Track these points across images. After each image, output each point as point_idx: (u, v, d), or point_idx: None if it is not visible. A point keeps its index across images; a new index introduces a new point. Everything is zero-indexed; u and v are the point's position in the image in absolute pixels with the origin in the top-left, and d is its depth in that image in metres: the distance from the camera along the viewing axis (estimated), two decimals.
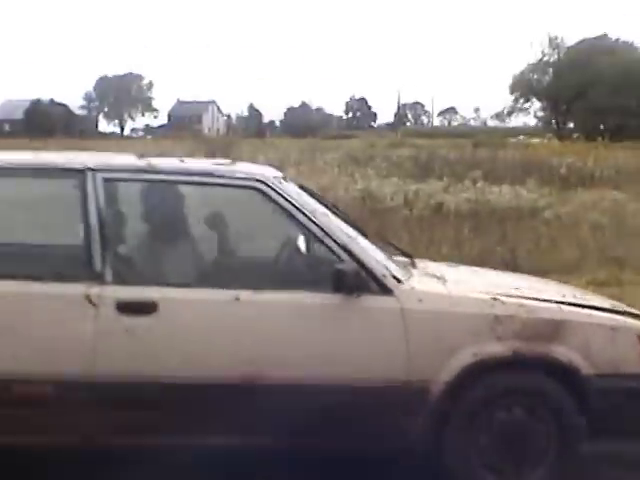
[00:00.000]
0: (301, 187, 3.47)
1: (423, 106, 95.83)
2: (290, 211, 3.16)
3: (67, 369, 2.95)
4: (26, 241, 3.46)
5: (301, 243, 3.27)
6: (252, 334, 3.03)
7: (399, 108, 78.13)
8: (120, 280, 3.04)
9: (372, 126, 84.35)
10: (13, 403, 2.93)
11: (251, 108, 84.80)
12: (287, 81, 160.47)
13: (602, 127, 42.05)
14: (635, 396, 3.17)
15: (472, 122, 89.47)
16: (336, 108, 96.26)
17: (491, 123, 69.07)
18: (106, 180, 3.15)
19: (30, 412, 2.95)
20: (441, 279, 3.45)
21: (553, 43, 53.14)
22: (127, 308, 2.97)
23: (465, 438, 3.09)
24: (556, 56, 53.21)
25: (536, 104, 55.15)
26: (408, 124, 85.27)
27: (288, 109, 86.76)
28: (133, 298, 2.99)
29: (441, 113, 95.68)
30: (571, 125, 51.60)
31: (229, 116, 78.70)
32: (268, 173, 3.38)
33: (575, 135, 39.99)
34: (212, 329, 3.03)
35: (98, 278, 3.01)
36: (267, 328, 3.04)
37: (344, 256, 3.09)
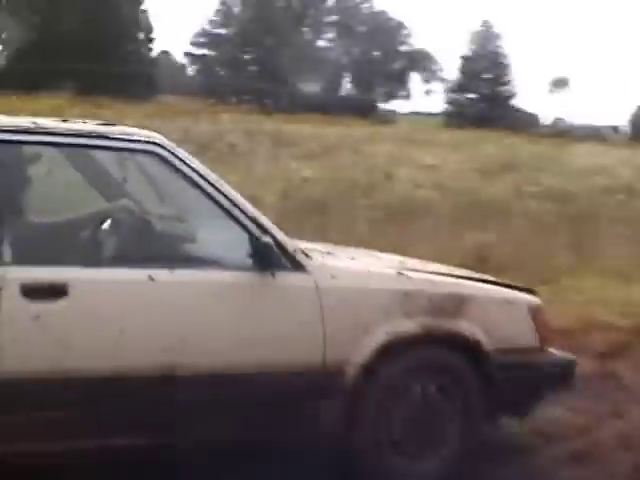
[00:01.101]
0: None
1: None
2: (194, 180, 2.83)
3: None
4: None
5: (208, 216, 2.93)
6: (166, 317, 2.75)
7: None
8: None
9: None
10: None
11: None
12: None
13: None
14: (527, 369, 3.29)
15: None
16: None
17: None
18: None
19: None
20: (345, 257, 3.36)
21: None
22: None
23: (378, 419, 3.02)
24: None
25: None
26: None
27: None
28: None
29: None
30: None
31: None
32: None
33: None
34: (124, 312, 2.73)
35: None
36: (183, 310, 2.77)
37: (255, 230, 2.82)
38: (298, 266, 2.89)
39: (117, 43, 35.75)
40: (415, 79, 50.64)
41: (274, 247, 2.80)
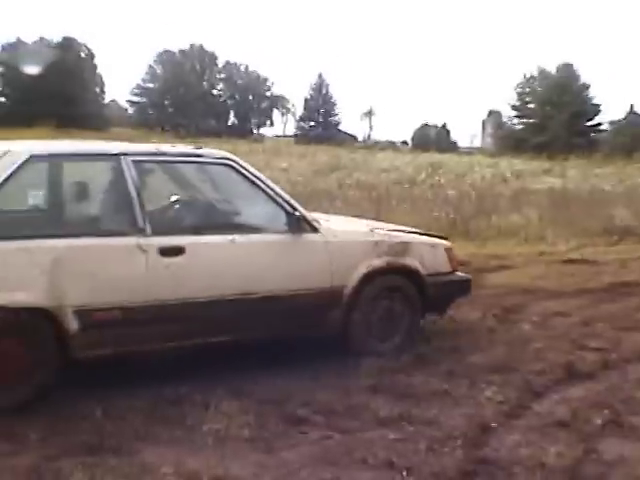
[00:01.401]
0: None
1: None
2: (252, 180, 4.76)
3: (129, 298, 4.19)
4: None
5: (261, 201, 4.80)
6: (245, 263, 4.61)
7: None
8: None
9: None
10: (104, 326, 4.13)
11: None
12: None
13: None
14: (445, 285, 5.43)
15: None
16: None
17: None
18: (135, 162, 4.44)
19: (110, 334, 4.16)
20: (337, 222, 5.41)
21: None
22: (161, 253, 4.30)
23: (365, 317, 5.02)
24: None
25: None
26: None
27: None
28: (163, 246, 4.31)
29: None
30: None
31: None
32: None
33: None
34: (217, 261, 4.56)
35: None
36: (253, 258, 4.66)
37: (289, 209, 4.73)
38: (314, 230, 4.80)
39: (82, 94, 55.86)
40: (276, 113, 79.18)
41: (300, 219, 4.74)
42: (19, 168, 4.08)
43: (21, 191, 4.52)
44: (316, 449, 3.63)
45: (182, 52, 71.44)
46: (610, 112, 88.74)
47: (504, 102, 69.91)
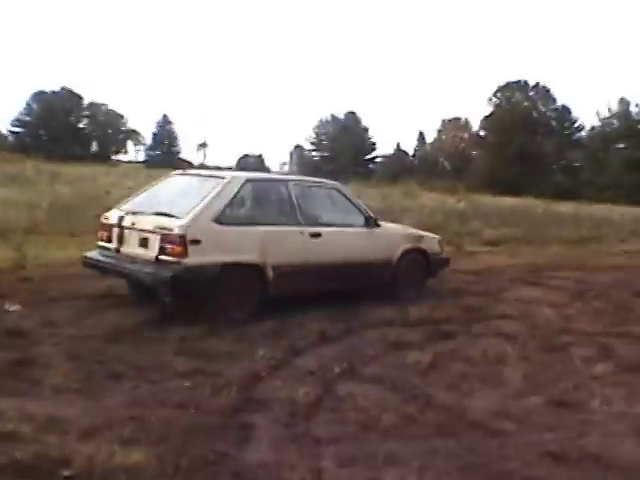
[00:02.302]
0: None
1: None
2: (348, 197, 8.51)
3: (295, 262, 7.44)
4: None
5: (353, 210, 8.46)
6: (340, 246, 8.01)
7: None
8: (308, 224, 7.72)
9: None
10: (284, 275, 7.31)
11: None
12: None
13: None
14: (438, 260, 9.27)
15: None
16: None
17: None
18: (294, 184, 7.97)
19: (287, 280, 7.33)
20: (386, 223, 9.05)
21: None
22: (312, 236, 7.67)
23: (403, 275, 8.69)
24: None
25: None
26: None
27: None
28: (312, 232, 7.68)
29: None
30: None
31: None
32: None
33: None
34: (342, 243, 8.10)
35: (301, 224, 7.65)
36: (345, 243, 8.13)
37: (366, 214, 8.43)
38: (378, 226, 8.50)
39: None
40: (130, 143, 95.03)
41: (372, 220, 8.39)
42: (242, 186, 7.30)
43: (243, 198, 7.46)
44: (129, 396, 4.67)
45: (54, 93, 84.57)
46: (383, 148, 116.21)
47: (306, 139, 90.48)
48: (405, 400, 4.91)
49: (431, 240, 9.25)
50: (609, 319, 8.10)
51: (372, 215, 8.42)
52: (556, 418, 4.72)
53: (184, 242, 6.52)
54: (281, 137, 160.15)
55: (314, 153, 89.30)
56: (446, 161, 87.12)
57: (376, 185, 26.59)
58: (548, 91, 76.22)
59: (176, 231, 6.55)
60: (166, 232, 6.60)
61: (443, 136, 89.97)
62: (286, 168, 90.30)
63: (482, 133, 79.58)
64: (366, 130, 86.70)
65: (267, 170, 75.70)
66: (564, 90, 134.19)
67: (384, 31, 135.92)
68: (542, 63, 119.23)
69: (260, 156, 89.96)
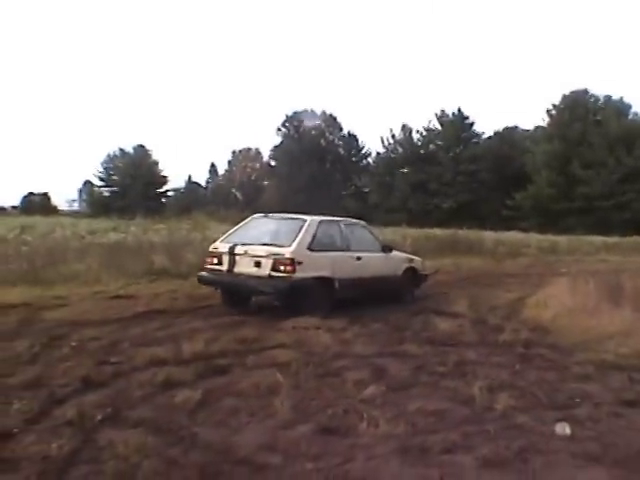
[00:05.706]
0: None
1: None
2: (370, 231, 12.54)
3: (349, 276, 10.80)
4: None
5: (373, 242, 12.25)
6: (372, 266, 11.67)
7: None
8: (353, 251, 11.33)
9: None
10: (344, 285, 10.69)
11: None
12: None
13: None
14: (422, 276, 13.54)
15: None
16: None
17: None
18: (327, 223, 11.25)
19: (345, 288, 10.74)
20: (398, 252, 13.22)
21: None
22: (357, 259, 11.32)
23: (404, 285, 12.79)
24: None
25: None
26: None
27: None
28: (357, 256, 11.30)
29: None
30: None
31: None
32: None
33: None
34: (372, 264, 11.76)
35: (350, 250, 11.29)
36: (374, 263, 11.80)
37: (382, 244, 12.50)
38: (391, 251, 12.49)
39: None
40: None
41: (387, 248, 12.40)
42: (318, 225, 10.57)
43: (319, 233, 10.55)
44: None
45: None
46: (175, 181, 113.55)
47: (94, 174, 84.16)
48: (169, 443, 4.67)
49: (418, 261, 13.46)
50: (385, 339, 8.59)
51: (387, 244, 12.74)
52: (323, 445, 4.72)
53: (293, 263, 9.67)
54: (68, 173, 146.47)
55: (104, 189, 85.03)
56: (238, 192, 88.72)
57: (165, 220, 26.33)
58: (335, 119, 79.99)
59: (287, 255, 9.71)
60: (279, 257, 9.68)
61: (234, 167, 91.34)
62: (76, 205, 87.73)
63: (273, 163, 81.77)
64: (156, 163, 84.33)
65: (55, 209, 74.79)
66: (350, 118, 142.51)
67: (172, 67, 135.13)
68: (328, 91, 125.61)
69: (46, 194, 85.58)
